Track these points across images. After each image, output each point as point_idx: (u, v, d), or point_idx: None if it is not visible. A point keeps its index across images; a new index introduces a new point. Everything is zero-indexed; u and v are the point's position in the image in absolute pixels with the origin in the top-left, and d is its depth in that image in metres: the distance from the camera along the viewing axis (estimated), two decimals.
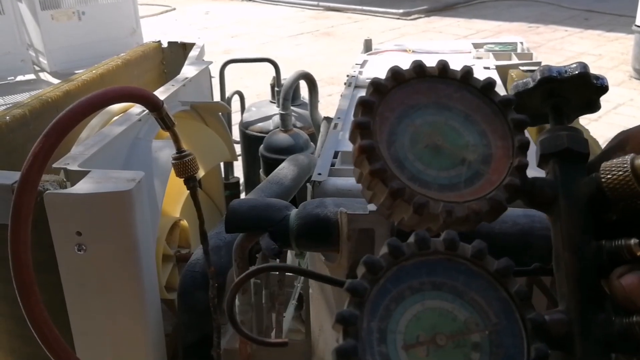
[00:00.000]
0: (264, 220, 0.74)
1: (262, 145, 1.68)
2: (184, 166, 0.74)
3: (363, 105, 0.41)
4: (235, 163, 2.00)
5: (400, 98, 0.42)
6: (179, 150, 0.75)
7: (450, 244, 0.35)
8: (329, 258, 0.79)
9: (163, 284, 1.06)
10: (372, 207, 0.70)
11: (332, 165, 0.85)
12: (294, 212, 0.76)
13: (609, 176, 0.38)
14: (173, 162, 0.74)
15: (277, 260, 0.74)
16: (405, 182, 0.39)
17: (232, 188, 1.91)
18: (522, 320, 0.34)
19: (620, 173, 0.38)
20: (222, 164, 1.91)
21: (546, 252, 0.43)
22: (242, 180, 2.07)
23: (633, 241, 0.36)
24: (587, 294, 0.36)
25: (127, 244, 0.79)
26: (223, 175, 1.94)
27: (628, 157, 0.38)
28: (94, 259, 0.81)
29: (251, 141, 1.89)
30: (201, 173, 1.46)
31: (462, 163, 0.41)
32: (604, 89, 0.43)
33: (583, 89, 0.43)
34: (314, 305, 0.91)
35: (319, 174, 0.79)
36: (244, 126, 1.94)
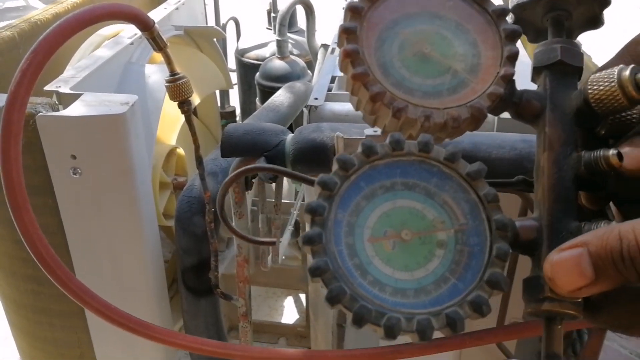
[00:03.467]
0: (260, 144, 0.74)
1: (258, 73, 1.65)
2: (177, 89, 0.73)
3: (351, 11, 0.41)
4: (231, 92, 1.98)
5: (391, 5, 0.42)
6: (172, 72, 0.74)
7: (424, 146, 0.36)
8: None
9: (161, 211, 1.07)
10: (369, 131, 0.69)
11: (329, 90, 0.83)
12: (290, 136, 0.76)
13: (595, 87, 0.38)
14: (166, 84, 0.74)
15: (273, 185, 0.74)
16: (388, 87, 0.39)
17: (228, 117, 1.89)
18: (488, 221, 0.35)
19: (607, 85, 0.37)
20: (217, 93, 1.89)
21: (511, 184, 0.44)
22: (238, 110, 2.04)
23: (611, 152, 0.36)
24: (561, 203, 0.37)
25: (122, 168, 0.79)
26: (219, 104, 1.91)
27: (616, 69, 0.37)
28: (90, 182, 0.81)
29: (247, 69, 1.86)
30: (196, 101, 1.44)
31: (448, 72, 0.41)
32: (607, 1, 0.42)
33: (585, 2, 0.42)
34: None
35: (316, 98, 0.79)
36: (240, 53, 1.91)
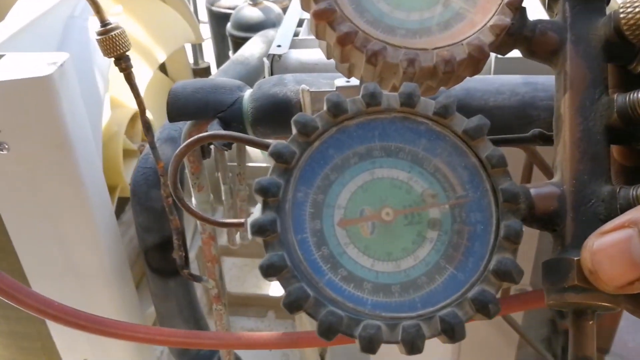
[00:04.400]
0: (212, 104, 0.63)
1: (229, 23, 1.50)
2: (110, 42, 0.63)
3: None
4: (205, 46, 1.84)
5: None
6: (103, 22, 0.61)
7: (407, 98, 0.30)
8: None
9: (128, 181, 0.96)
10: (340, 81, 0.58)
11: (296, 35, 0.71)
12: (247, 92, 0.65)
13: (630, 10, 0.31)
14: (97, 38, 0.62)
15: (227, 149, 0.62)
16: (362, 26, 0.32)
17: (201, 74, 1.76)
18: (494, 191, 0.29)
19: None
20: (190, 48, 1.75)
21: (526, 140, 0.38)
22: (214, 66, 1.90)
23: None
24: (589, 162, 0.30)
25: (56, 139, 0.69)
26: (192, 61, 1.78)
27: None
28: (21, 159, 0.69)
29: (219, 19, 1.72)
30: (162, 57, 1.31)
31: (439, 1, 0.34)
32: None
33: None
34: None
35: (279, 45, 0.67)
36: (210, 3, 1.76)
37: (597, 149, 0.30)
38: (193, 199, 0.76)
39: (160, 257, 0.89)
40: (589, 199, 0.30)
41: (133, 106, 1.11)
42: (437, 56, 0.32)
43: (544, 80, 0.62)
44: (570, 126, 0.31)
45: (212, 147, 0.71)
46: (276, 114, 0.61)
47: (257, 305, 1.48)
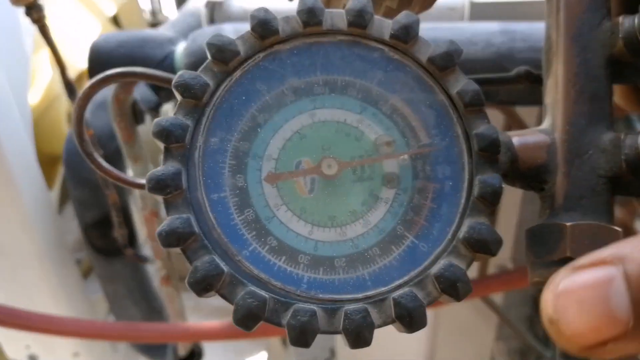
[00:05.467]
0: (139, 60, 0.55)
1: None
2: None
3: None
4: None
5: None
6: None
7: (356, 16, 0.24)
8: None
9: None
10: None
11: None
12: (181, 46, 0.55)
13: None
14: None
15: (155, 114, 0.53)
16: None
17: None
18: (467, 137, 0.24)
19: None
20: (148, 0, 1.64)
21: (509, 80, 0.33)
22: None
23: None
24: (587, 103, 0.25)
25: None
26: (150, 15, 1.66)
27: None
28: None
29: None
30: (112, 9, 1.20)
31: None
32: None
33: None
34: None
35: None
36: None
37: (596, 86, 0.25)
38: (130, 171, 0.67)
39: (101, 235, 0.81)
40: (585, 150, 0.24)
41: (79, 65, 1.01)
42: None
43: (524, 27, 0.55)
44: (564, 58, 0.25)
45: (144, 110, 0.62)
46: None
47: None
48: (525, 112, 0.60)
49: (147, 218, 0.73)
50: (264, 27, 0.23)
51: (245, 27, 0.55)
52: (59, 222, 0.83)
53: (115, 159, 0.76)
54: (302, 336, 0.20)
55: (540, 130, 0.26)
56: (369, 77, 0.24)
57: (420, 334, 0.83)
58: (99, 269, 0.87)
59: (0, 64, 0.69)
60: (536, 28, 0.56)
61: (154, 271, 0.87)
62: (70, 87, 0.60)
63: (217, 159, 0.23)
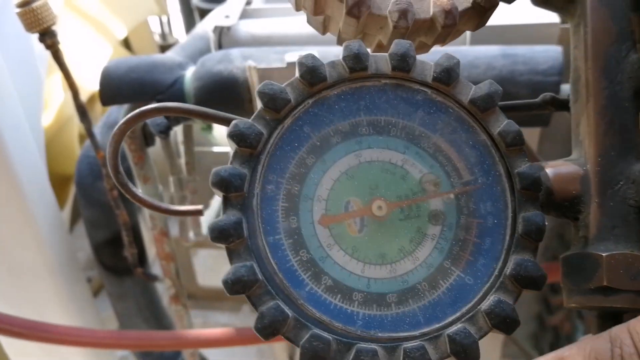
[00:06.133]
0: (149, 84, 0.56)
1: None
2: (32, 16, 0.58)
3: None
4: (175, 21, 1.74)
5: None
6: None
7: (400, 61, 0.24)
8: None
9: None
10: (291, 56, 0.50)
11: (248, 3, 0.62)
12: (190, 71, 0.57)
13: None
14: (17, 11, 0.55)
15: (165, 137, 0.55)
16: None
17: None
18: (509, 175, 0.25)
19: None
20: (158, 22, 1.66)
21: (535, 106, 0.32)
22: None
23: None
24: (617, 135, 0.26)
25: None
26: (159, 38, 1.68)
27: None
28: None
29: None
30: (123, 32, 1.22)
31: None
32: None
33: None
34: None
35: (227, 16, 0.58)
36: None
37: (625, 118, 0.26)
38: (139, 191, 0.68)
39: (112, 254, 0.82)
40: (616, 181, 0.25)
41: (91, 87, 1.03)
42: (434, 6, 0.26)
43: (525, 51, 0.56)
44: (594, 91, 0.26)
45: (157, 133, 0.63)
46: (222, 94, 0.54)
47: (232, 299, 1.41)
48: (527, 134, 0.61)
49: (156, 238, 0.74)
50: (312, 74, 0.24)
51: (249, 51, 0.57)
52: (70, 241, 0.84)
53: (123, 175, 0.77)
54: None
55: (572, 160, 0.26)
56: (413, 118, 0.25)
57: None
58: (110, 287, 0.88)
59: (14, 87, 0.70)
60: (536, 51, 0.57)
61: (163, 289, 0.88)
62: (82, 110, 0.61)
63: (273, 204, 0.23)
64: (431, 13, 0.26)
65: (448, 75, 0.25)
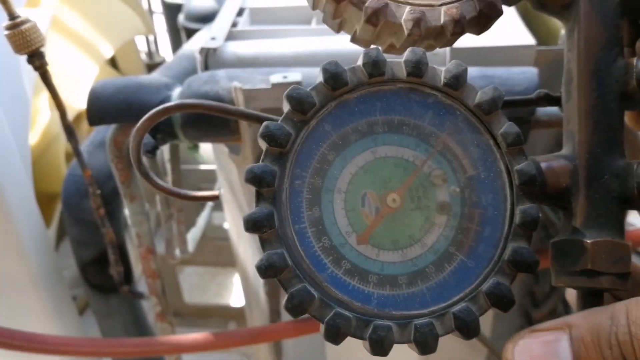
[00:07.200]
0: (136, 105, 0.56)
1: (181, 14, 1.42)
2: (21, 38, 0.58)
3: None
4: (162, 40, 1.75)
5: None
6: (11, 15, 0.55)
7: (414, 67, 0.27)
8: (234, 150, 0.61)
9: None
10: (276, 78, 0.51)
11: (234, 25, 0.64)
12: (176, 92, 0.58)
13: None
14: (6, 33, 0.55)
15: (152, 157, 0.55)
16: None
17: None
18: (508, 172, 0.27)
19: None
20: (145, 41, 1.67)
21: (530, 102, 0.35)
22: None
23: None
24: (603, 133, 0.28)
25: None
26: (146, 56, 1.69)
27: None
28: None
29: (172, 10, 1.61)
30: (109, 51, 1.23)
31: None
32: None
33: None
34: (227, 207, 0.74)
35: (213, 38, 0.59)
36: None
37: (611, 118, 0.28)
38: (125, 210, 0.69)
39: (98, 272, 0.82)
40: (602, 175, 0.28)
41: (77, 105, 1.04)
42: (445, 15, 0.28)
43: (502, 72, 0.58)
44: (584, 92, 0.29)
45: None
46: (208, 115, 0.55)
47: (218, 315, 1.40)
48: None
49: (142, 255, 0.74)
50: (335, 79, 0.26)
51: (235, 72, 0.58)
52: (56, 259, 0.84)
53: (112, 197, 0.78)
54: (381, 348, 0.24)
55: (562, 156, 0.29)
56: (424, 118, 0.27)
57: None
58: (96, 305, 0.88)
59: (1, 106, 0.71)
60: (513, 72, 0.59)
61: (149, 307, 0.88)
62: (69, 130, 0.61)
63: (299, 197, 0.25)
64: (442, 22, 0.28)
65: (457, 80, 0.27)
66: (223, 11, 0.70)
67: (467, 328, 0.25)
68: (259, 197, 0.25)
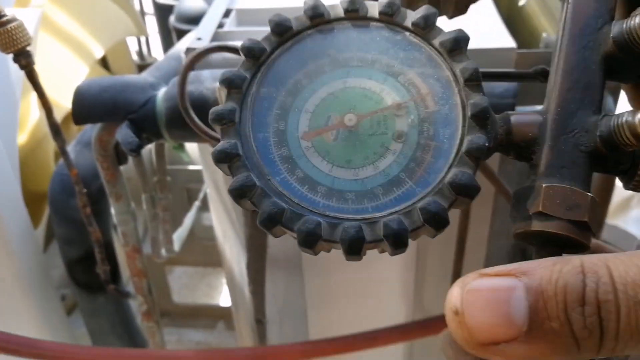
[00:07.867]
0: (121, 104, 0.57)
1: (172, 15, 1.43)
2: (7, 37, 0.57)
3: None
4: (154, 41, 1.76)
5: None
6: None
7: (387, 6, 0.30)
8: None
9: None
10: None
11: (220, 26, 0.64)
12: (162, 91, 0.58)
13: None
14: None
15: (136, 155, 0.56)
16: None
17: None
18: (463, 105, 0.28)
19: None
20: (136, 42, 1.67)
21: (527, 76, 0.36)
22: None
23: None
24: (579, 90, 0.28)
25: None
26: (137, 57, 1.70)
27: None
28: None
29: (164, 12, 1.62)
30: (100, 52, 1.23)
31: None
32: None
33: None
34: (213, 207, 0.74)
35: (199, 38, 0.60)
36: None
37: (591, 78, 0.28)
38: (111, 209, 0.69)
39: (85, 271, 0.82)
40: (572, 129, 0.28)
41: (67, 105, 1.04)
42: None
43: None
44: (565, 53, 0.29)
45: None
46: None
47: (207, 315, 1.40)
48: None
49: (128, 254, 0.74)
50: (313, 10, 0.29)
51: (220, 72, 0.58)
52: (44, 259, 0.84)
53: (98, 196, 0.78)
54: (307, 240, 0.25)
55: (536, 111, 0.29)
56: (392, 54, 0.29)
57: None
58: (83, 304, 0.88)
59: None
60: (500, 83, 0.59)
61: (137, 307, 0.89)
62: (55, 128, 0.62)
63: (265, 106, 0.28)
64: None
65: (425, 21, 0.29)
66: (210, 12, 0.70)
67: (394, 237, 0.25)
68: (228, 96, 0.28)
